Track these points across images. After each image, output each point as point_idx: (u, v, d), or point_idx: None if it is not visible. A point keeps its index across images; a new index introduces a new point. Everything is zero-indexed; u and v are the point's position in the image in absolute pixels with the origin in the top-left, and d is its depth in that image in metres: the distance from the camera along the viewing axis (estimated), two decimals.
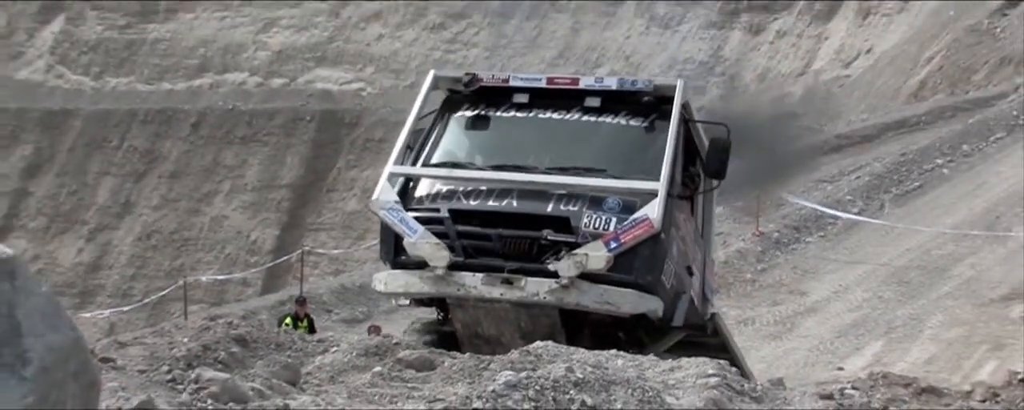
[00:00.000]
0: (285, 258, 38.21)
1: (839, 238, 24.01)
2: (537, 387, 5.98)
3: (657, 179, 11.38)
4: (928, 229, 22.86)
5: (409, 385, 7.08)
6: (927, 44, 36.02)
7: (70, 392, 3.32)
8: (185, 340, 7.18)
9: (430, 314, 12.48)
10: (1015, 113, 28.30)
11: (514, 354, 7.84)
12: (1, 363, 3.01)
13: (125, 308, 33.77)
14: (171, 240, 47.17)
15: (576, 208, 11.35)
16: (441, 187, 11.88)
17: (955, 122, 29.32)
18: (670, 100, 12.04)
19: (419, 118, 12.44)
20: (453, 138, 12.52)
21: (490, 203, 11.55)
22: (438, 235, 11.34)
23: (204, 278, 36.92)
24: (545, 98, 12.42)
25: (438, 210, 11.53)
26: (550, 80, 12.73)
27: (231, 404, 5.99)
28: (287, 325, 16.07)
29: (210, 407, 5.96)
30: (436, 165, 12.21)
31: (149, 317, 35.36)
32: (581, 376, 6.19)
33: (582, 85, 12.49)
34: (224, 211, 47.44)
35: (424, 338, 11.94)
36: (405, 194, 11.84)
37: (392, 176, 11.89)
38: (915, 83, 34.78)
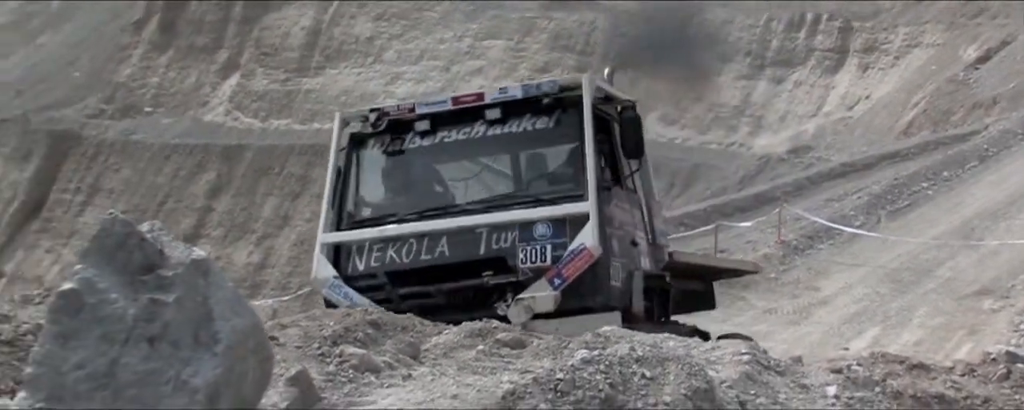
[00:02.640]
0: None
1: (845, 246, 23.73)
2: (607, 362, 5.95)
3: (580, 192, 9.08)
4: (916, 239, 22.63)
5: (505, 360, 7.08)
6: (914, 92, 35.92)
7: (250, 365, 3.37)
8: (331, 323, 7.21)
9: None
10: (985, 147, 28.15)
11: (587, 336, 7.31)
12: (198, 342, 3.06)
13: (285, 298, 33.94)
14: None
15: (508, 244, 9.03)
16: (372, 246, 9.39)
17: (937, 154, 29.18)
18: (573, 95, 9.43)
19: (335, 169, 9.88)
20: (368, 184, 9.90)
21: (423, 257, 9.13)
22: (382, 301, 8.88)
23: None
24: (447, 120, 9.68)
25: (375, 275, 9.23)
26: (455, 100, 9.85)
27: (367, 374, 6.06)
28: None
29: (351, 376, 6.00)
30: (360, 221, 9.73)
31: (303, 305, 35.75)
32: (641, 354, 6.14)
33: (488, 99, 9.65)
34: None
35: None
36: (339, 261, 9.46)
37: (324, 247, 9.53)
38: (904, 122, 34.63)
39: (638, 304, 9.63)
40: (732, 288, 20.95)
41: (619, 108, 9.98)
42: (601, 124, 9.71)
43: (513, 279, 9.00)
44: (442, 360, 7.01)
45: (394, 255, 9.25)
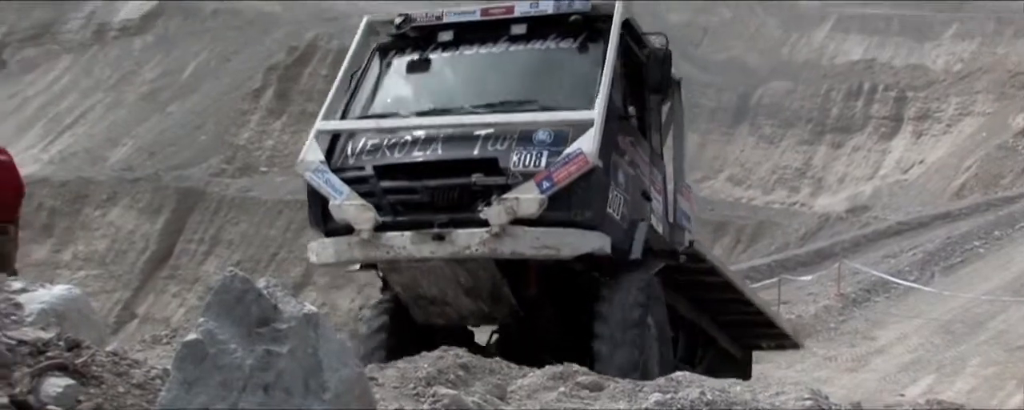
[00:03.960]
0: None
1: (900, 299, 23.34)
2: (678, 406, 5.90)
3: (591, 107, 7.72)
4: (968, 294, 22.17)
5: (585, 401, 7.02)
6: (965, 157, 35.42)
7: None
8: (425, 365, 7.20)
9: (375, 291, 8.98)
10: None
11: (660, 380, 6.97)
12: (308, 390, 3.09)
13: None
14: None
15: (503, 147, 7.63)
16: (367, 141, 8.14)
17: (988, 214, 28.72)
18: (605, 19, 8.16)
19: (350, 70, 8.75)
20: (381, 87, 8.65)
21: (415, 153, 7.87)
22: (365, 194, 7.78)
23: None
24: (471, 32, 8.53)
25: (363, 168, 7.93)
26: (484, 12, 8.59)
27: None
28: None
29: None
30: (362, 118, 8.50)
31: None
32: (710, 398, 6.08)
33: (517, 12, 8.40)
34: None
35: (375, 322, 8.48)
36: (332, 153, 8.20)
37: (319, 134, 8.28)
38: (957, 185, 34.15)
39: (636, 253, 8.03)
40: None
41: (647, 52, 8.57)
42: (629, 60, 8.46)
43: (502, 181, 7.52)
44: (527, 401, 6.97)
45: (387, 150, 7.98)
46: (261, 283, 2.94)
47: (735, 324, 11.19)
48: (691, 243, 9.19)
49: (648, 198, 8.63)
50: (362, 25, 8.96)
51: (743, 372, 11.00)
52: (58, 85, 54.55)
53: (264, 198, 44.62)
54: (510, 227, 7.38)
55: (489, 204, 7.48)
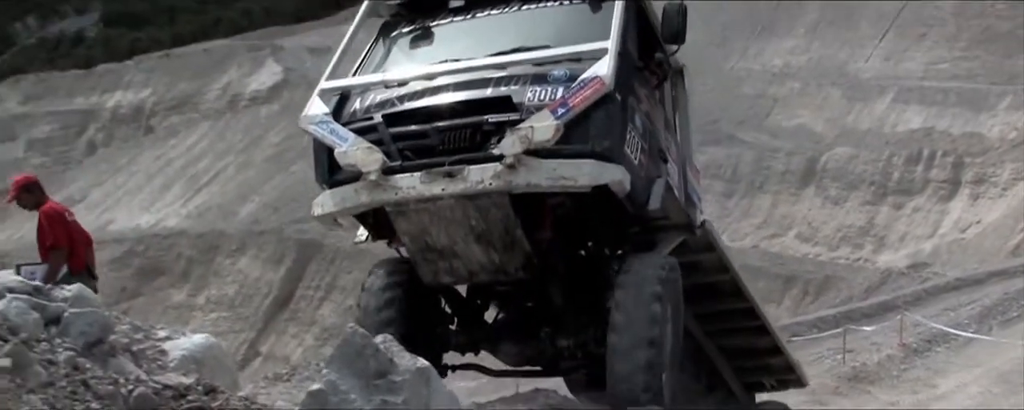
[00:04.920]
0: None
1: (960, 350, 22.66)
2: None
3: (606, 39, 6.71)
4: None
5: None
6: (1020, 218, 34.61)
7: None
8: (521, 407, 7.14)
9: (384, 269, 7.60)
10: None
11: None
12: None
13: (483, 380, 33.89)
14: None
15: (517, 86, 6.62)
16: (377, 97, 7.03)
17: None
18: None
19: (352, 43, 7.66)
20: (389, 56, 7.54)
21: (425, 99, 6.82)
22: (373, 143, 6.71)
23: None
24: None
25: (371, 117, 6.88)
26: None
27: None
28: None
29: None
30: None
31: (495, 389, 35.79)
32: None
33: None
34: None
35: (389, 279, 7.41)
36: (340, 111, 7.10)
37: (324, 92, 7.23)
38: (1012, 244, 33.32)
39: (656, 204, 6.90)
40: (859, 383, 20.19)
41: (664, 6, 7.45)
42: (645, 32, 7.47)
43: (516, 117, 6.47)
44: None
45: (396, 99, 6.92)
46: (379, 339, 2.95)
47: (739, 353, 9.86)
48: (703, 222, 8.10)
49: (664, 160, 7.44)
50: (364, 3, 7.81)
51: None
52: (196, 148, 55.99)
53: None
54: (525, 158, 6.31)
55: (502, 140, 6.42)
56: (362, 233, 7.52)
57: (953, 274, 31.11)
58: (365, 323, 7.02)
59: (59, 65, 73.95)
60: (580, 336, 7.12)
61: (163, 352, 3.56)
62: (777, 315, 28.39)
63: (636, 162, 6.77)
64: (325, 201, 6.99)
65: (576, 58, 6.70)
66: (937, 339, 23.16)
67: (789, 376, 10.75)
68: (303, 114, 7.12)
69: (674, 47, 7.52)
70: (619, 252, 7.15)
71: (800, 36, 49.53)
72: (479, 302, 7.76)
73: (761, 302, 9.73)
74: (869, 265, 37.49)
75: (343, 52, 7.59)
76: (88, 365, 2.88)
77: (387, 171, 6.55)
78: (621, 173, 6.49)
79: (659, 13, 7.41)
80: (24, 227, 43.25)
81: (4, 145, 61.66)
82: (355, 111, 7.04)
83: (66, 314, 3.02)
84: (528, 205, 6.59)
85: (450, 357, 7.60)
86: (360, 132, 6.80)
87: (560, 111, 6.38)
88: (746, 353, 9.94)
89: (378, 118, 6.80)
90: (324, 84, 7.30)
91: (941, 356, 22.41)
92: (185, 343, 3.46)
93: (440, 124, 6.62)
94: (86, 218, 53.38)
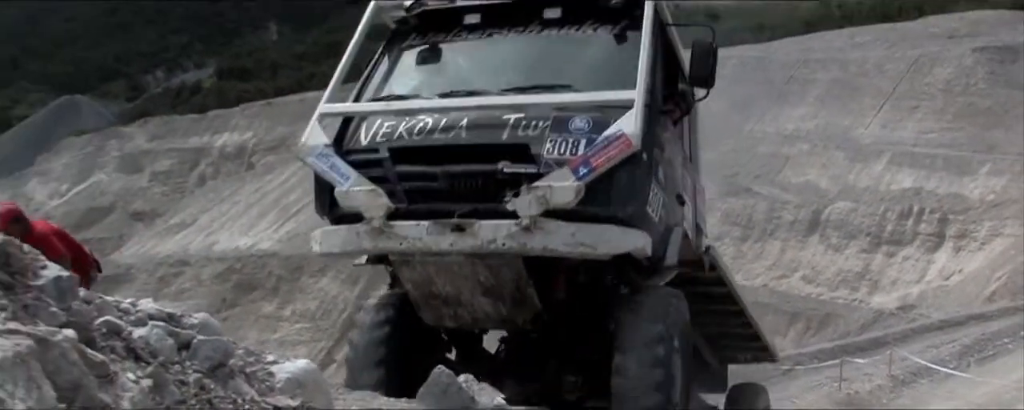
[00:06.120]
0: None
1: (942, 383, 22.24)
2: None
3: (632, 87, 5.33)
4: (1000, 381, 21.06)
5: None
6: (997, 269, 34.21)
7: None
8: None
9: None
10: None
11: None
12: None
13: None
14: None
15: (536, 133, 5.27)
16: (382, 126, 5.65)
17: (1016, 316, 27.53)
18: (639, 4, 5.78)
19: (353, 56, 6.13)
20: (397, 74, 6.14)
21: (436, 136, 5.44)
22: (376, 180, 5.48)
23: None
24: (500, 15, 6.04)
25: (377, 151, 5.57)
26: None
27: None
28: None
29: None
30: (376, 99, 6.01)
31: None
32: None
33: None
34: None
35: (380, 315, 6.19)
36: (342, 139, 5.77)
37: (323, 117, 5.85)
38: (989, 291, 32.94)
39: (672, 259, 5.82)
40: (852, 408, 19.82)
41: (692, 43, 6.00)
42: (669, 55, 6.18)
43: (533, 170, 5.20)
44: None
45: (404, 132, 5.54)
46: (462, 378, 2.96)
47: (721, 336, 8.75)
48: (708, 248, 6.95)
49: (682, 202, 6.30)
50: (369, 10, 6.31)
51: (720, 384, 8.87)
52: (289, 183, 56.68)
53: None
54: (541, 220, 5.10)
55: (517, 194, 5.17)
56: (362, 258, 6.26)
57: (937, 316, 30.72)
58: (358, 339, 6.22)
59: (179, 110, 75.79)
60: (587, 373, 6.00)
61: (271, 374, 3.60)
62: (783, 346, 28.05)
63: (657, 220, 5.65)
64: (326, 240, 5.82)
65: (600, 107, 5.41)
66: (921, 373, 22.78)
67: (762, 353, 9.76)
68: (301, 143, 5.83)
69: (704, 92, 6.13)
70: (623, 284, 5.89)
71: (810, 105, 49.45)
72: (478, 331, 6.49)
73: (768, 334, 9.26)
74: (864, 305, 37.05)
75: (343, 66, 6.13)
76: (212, 386, 2.96)
77: (392, 216, 5.42)
78: (643, 240, 5.41)
79: (677, 28, 6.26)
80: None
81: (132, 176, 63.08)
82: (359, 140, 5.73)
83: (195, 340, 3.11)
84: (541, 264, 5.45)
85: None
86: (363, 164, 5.60)
87: (581, 171, 5.15)
88: (727, 336, 8.87)
89: (384, 153, 5.57)
90: (323, 108, 5.93)
91: (924, 388, 22.01)
92: (289, 367, 3.50)
93: (451, 168, 5.39)
94: (195, 239, 54.18)
